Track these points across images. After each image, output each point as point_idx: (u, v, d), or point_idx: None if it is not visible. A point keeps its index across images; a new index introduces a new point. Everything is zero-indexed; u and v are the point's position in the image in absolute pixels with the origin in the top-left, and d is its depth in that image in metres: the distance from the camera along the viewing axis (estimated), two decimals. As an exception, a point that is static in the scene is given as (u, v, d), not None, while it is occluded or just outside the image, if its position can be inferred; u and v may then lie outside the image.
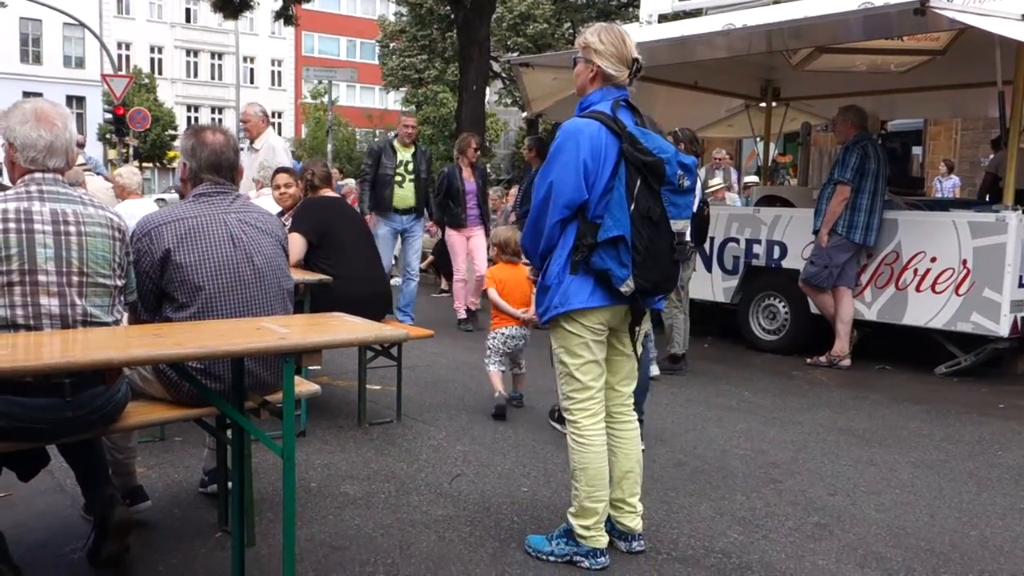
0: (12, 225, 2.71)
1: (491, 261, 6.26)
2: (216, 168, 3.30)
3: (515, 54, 29.48)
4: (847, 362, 7.13)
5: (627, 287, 3.04)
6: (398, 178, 8.32)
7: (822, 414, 5.62)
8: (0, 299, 2.69)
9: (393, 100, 47.78)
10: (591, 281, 3.09)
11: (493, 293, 5.36)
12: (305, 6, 20.43)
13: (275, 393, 3.24)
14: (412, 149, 8.46)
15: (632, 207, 3.02)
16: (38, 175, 2.84)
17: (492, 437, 4.86)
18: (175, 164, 44.02)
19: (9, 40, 42.80)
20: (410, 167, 8.36)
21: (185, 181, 3.37)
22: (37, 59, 43.86)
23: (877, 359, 7.38)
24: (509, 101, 34.08)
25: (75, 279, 2.79)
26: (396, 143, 8.46)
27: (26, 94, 42.84)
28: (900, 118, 12.75)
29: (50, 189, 2.83)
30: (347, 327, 2.85)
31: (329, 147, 24.06)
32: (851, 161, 6.93)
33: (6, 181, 3.99)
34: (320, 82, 37.61)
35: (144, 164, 36.07)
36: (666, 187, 3.07)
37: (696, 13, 9.07)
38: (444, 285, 11.82)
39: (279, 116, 53.62)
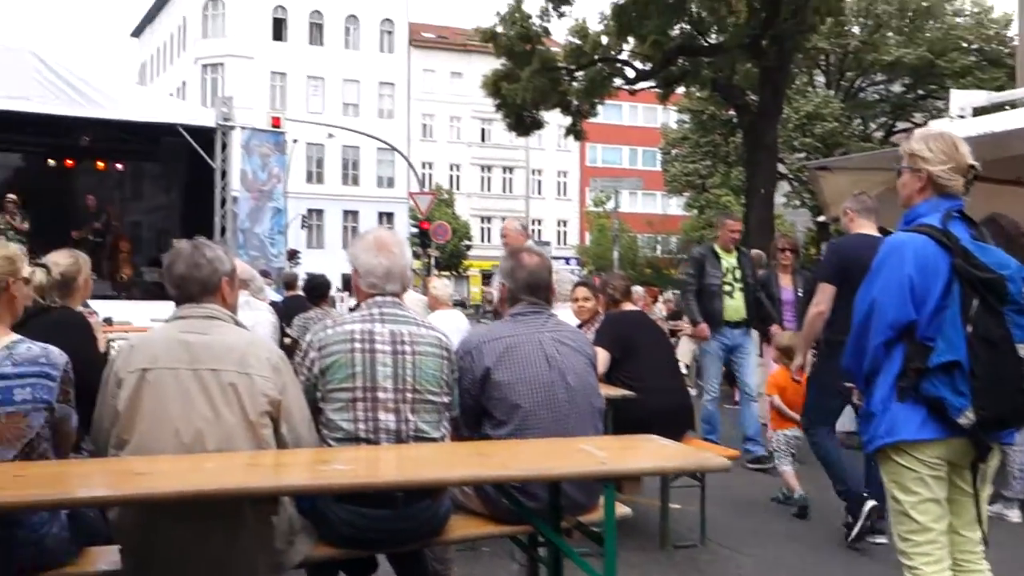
0: (358, 345, 2.96)
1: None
2: (533, 289, 3.42)
3: (802, 155, 28.75)
4: None
5: (966, 419, 2.70)
6: (726, 287, 7.42)
7: None
8: (346, 414, 2.93)
9: (675, 205, 48.12)
10: (923, 410, 2.78)
11: (778, 401, 5.72)
12: (590, 120, 21.33)
13: (588, 514, 3.22)
14: (735, 254, 7.56)
15: (968, 329, 2.72)
16: (379, 298, 3.09)
17: (801, 566, 4.52)
18: (469, 272, 47.06)
19: (333, 166, 48.44)
20: (737, 274, 7.46)
21: (503, 301, 3.52)
22: (355, 181, 49.12)
23: None
24: (798, 203, 33.08)
25: (409, 396, 2.97)
26: (718, 248, 7.55)
27: (346, 212, 48.18)
28: None
29: (389, 312, 3.07)
30: (665, 452, 2.79)
31: (615, 254, 24.51)
32: None
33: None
34: (602, 191, 38.76)
35: (442, 273, 38.78)
36: (1010, 307, 2.75)
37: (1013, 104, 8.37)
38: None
39: (564, 225, 55.84)
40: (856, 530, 4.76)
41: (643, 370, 4.95)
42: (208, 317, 2.83)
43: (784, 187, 33.36)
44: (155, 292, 14.00)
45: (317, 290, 7.08)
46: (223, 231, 14.09)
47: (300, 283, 10.91)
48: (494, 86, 19.80)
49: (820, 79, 32.33)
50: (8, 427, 2.55)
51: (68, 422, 2.77)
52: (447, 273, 41.52)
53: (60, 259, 3.82)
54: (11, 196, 13.72)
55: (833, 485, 5.04)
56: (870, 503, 4.70)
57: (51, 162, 15.92)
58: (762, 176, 17.35)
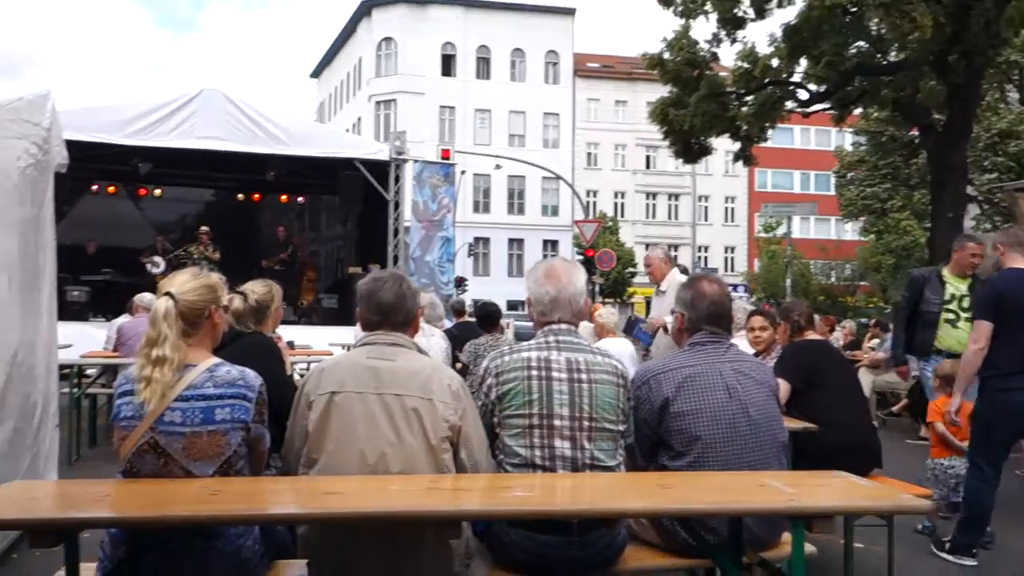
0: (535, 373, 2.98)
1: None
2: (715, 319, 3.34)
3: (993, 175, 26.91)
4: None
5: None
6: (948, 315, 6.77)
7: None
8: (522, 440, 2.95)
9: (851, 231, 46.09)
10: None
11: (941, 427, 5.74)
12: (760, 144, 20.78)
13: (768, 550, 3.10)
14: (969, 280, 6.80)
15: None
16: (555, 326, 3.11)
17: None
18: (634, 300, 46.71)
19: (499, 195, 49.43)
20: (964, 303, 6.71)
21: (681, 331, 3.45)
22: (521, 210, 49.91)
23: None
24: (988, 226, 30.93)
25: (585, 424, 2.96)
26: (946, 272, 6.86)
27: (511, 240, 49.02)
28: None
29: (565, 339, 3.07)
30: (858, 491, 2.65)
31: (788, 281, 23.70)
32: None
33: None
34: (773, 216, 37.63)
35: (605, 300, 38.67)
36: None
37: None
38: (924, 432, 10.74)
39: (732, 251, 54.52)
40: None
41: (828, 402, 4.71)
42: (394, 344, 2.95)
43: (973, 210, 31.33)
44: (332, 318, 14.73)
45: (489, 317, 7.23)
46: (396, 259, 14.64)
47: (468, 310, 11.17)
48: (661, 114, 19.63)
49: (1013, 95, 30.20)
50: (209, 445, 2.72)
51: (262, 441, 2.93)
52: (611, 300, 41.38)
53: (256, 288, 4.08)
54: (204, 228, 14.86)
55: (961, 514, 5.11)
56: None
57: (240, 196, 17.07)
58: (949, 198, 16.33)
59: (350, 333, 11.87)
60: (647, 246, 53.98)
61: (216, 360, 2.81)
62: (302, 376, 4.08)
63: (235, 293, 3.94)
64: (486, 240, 47.99)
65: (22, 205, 4.88)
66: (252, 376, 2.82)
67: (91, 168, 13.63)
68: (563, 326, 3.11)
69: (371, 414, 2.82)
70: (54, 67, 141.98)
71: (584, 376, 3.00)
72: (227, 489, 2.65)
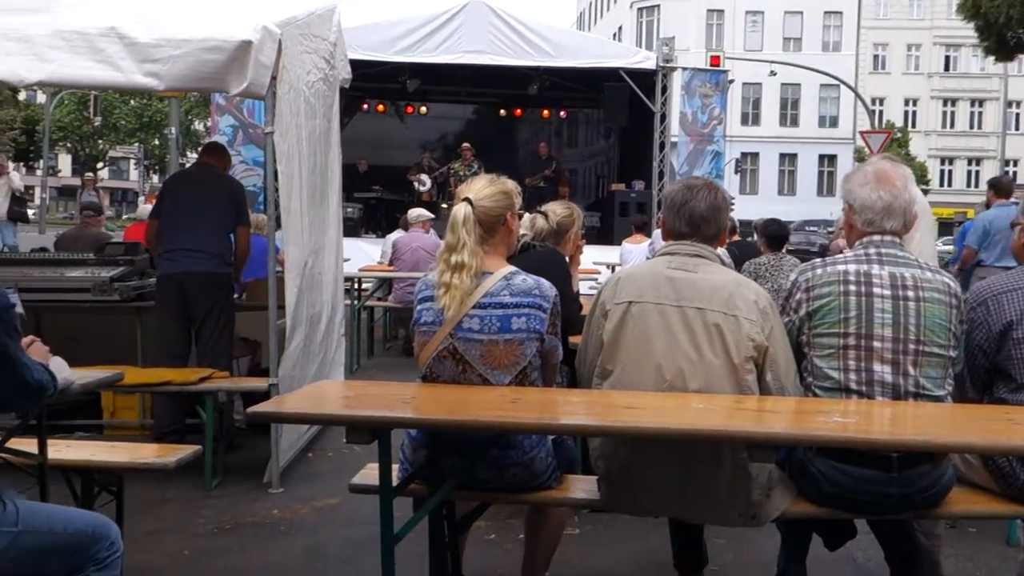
0: (852, 288, 2.80)
1: None
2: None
3: None
4: None
5: None
6: None
7: None
8: (835, 362, 2.79)
9: None
10: None
11: None
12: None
13: None
14: None
15: None
16: (876, 237, 2.89)
17: None
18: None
19: (771, 105, 47.33)
20: None
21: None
22: (794, 121, 47.59)
23: None
24: None
25: (911, 347, 2.75)
26: None
27: (783, 155, 47.11)
28: None
29: (889, 252, 2.85)
30: None
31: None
32: None
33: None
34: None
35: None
36: None
37: None
38: None
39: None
40: None
41: None
42: (695, 255, 2.88)
43: None
44: (594, 236, 14.83)
45: (777, 238, 6.99)
46: (661, 175, 14.44)
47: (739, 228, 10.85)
48: (972, 6, 17.82)
49: None
50: (506, 353, 2.81)
51: (555, 353, 2.99)
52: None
53: (558, 209, 4.30)
54: (466, 145, 15.38)
55: None
56: None
57: (502, 112, 17.49)
58: None
59: (614, 252, 11.94)
60: (943, 160, 50.18)
61: (512, 268, 2.89)
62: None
63: (537, 213, 4.12)
64: (754, 155, 46.41)
65: (312, 119, 5.24)
66: (547, 286, 2.87)
67: (362, 87, 14.41)
68: (887, 238, 2.88)
69: (670, 327, 2.78)
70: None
71: (911, 293, 2.78)
72: (525, 398, 2.73)
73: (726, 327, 2.74)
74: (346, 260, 8.92)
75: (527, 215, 4.16)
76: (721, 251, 6.46)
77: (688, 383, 2.76)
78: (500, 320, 2.80)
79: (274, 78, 4.52)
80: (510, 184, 2.97)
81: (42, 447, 2.84)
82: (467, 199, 2.84)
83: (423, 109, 17.16)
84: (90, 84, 5.43)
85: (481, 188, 2.89)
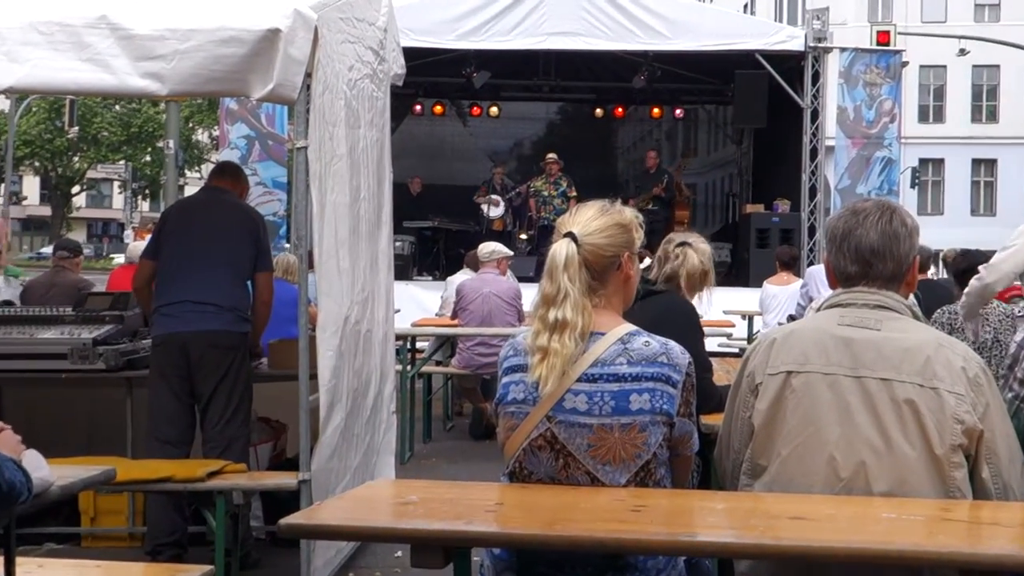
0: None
1: None
2: None
3: None
4: None
5: None
6: None
7: None
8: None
9: None
10: None
11: None
12: None
13: None
14: None
15: None
16: None
17: None
18: None
19: (959, 96, 46.62)
20: None
21: None
22: (992, 116, 46.84)
23: None
24: None
25: None
26: None
27: (976, 162, 46.38)
28: None
29: None
30: None
31: None
32: None
33: None
34: None
35: None
36: None
37: None
38: None
39: None
40: None
41: None
42: (878, 306, 2.81)
43: None
44: (724, 276, 14.70)
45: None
46: (813, 192, 14.31)
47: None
48: None
49: None
50: (622, 442, 2.77)
51: (688, 442, 2.93)
52: None
53: (700, 244, 4.37)
54: (551, 156, 15.39)
55: None
56: None
57: (598, 111, 17.59)
58: None
59: (751, 297, 11.83)
60: None
61: (630, 327, 2.86)
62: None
63: (685, 245, 4.18)
64: (938, 162, 45.80)
65: (356, 128, 5.32)
66: (678, 351, 2.83)
67: (414, 82, 14.54)
68: None
69: (846, 406, 2.73)
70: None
71: None
72: (649, 504, 2.69)
73: (923, 404, 2.68)
74: (396, 312, 9.05)
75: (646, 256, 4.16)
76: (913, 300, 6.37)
77: (872, 483, 2.70)
78: (615, 398, 2.77)
79: (308, 76, 4.57)
80: (628, 214, 2.95)
81: (10, 570, 2.86)
82: (570, 234, 2.83)
83: (493, 110, 17.34)
84: (74, 90, 5.58)
85: (589, 220, 2.87)
